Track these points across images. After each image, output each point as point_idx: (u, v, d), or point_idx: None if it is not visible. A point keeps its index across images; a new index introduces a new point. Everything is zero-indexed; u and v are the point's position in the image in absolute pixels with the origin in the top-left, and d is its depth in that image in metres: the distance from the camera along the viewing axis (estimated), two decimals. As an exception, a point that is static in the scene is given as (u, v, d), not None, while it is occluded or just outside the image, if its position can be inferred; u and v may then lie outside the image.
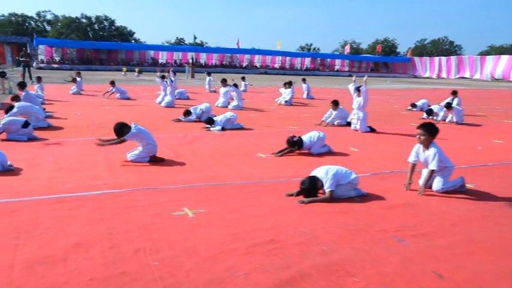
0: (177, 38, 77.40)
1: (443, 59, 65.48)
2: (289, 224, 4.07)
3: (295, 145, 7.45)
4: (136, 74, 34.50)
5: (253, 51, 64.71)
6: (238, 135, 9.28)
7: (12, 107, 9.19)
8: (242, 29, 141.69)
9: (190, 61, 40.96)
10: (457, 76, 61.70)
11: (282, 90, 18.09)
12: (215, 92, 21.35)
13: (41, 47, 49.94)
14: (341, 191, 4.93)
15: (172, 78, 14.51)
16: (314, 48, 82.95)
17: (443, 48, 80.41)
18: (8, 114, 8.83)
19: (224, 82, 15.51)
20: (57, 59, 51.67)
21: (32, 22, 67.80)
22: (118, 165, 6.30)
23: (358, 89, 11.02)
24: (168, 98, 14.17)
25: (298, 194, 4.98)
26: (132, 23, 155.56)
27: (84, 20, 65.57)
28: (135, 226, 3.93)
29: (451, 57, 65.87)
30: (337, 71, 67.56)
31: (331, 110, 11.15)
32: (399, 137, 9.71)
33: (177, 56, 60.38)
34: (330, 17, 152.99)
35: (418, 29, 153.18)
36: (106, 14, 69.87)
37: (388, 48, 78.41)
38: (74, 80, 17.73)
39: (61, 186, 5.13)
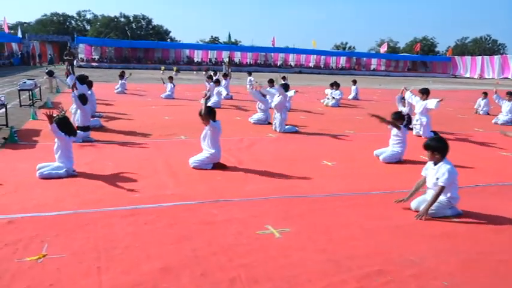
0: (212, 36, 77.70)
1: (487, 58, 62.84)
2: (392, 250, 3.60)
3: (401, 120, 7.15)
4: (174, 73, 34.54)
5: (287, 50, 64.10)
6: (296, 140, 8.84)
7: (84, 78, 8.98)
8: (277, 28, 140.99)
9: (227, 60, 40.76)
10: (501, 76, 59.06)
11: (328, 91, 17.52)
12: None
13: (81, 45, 51.00)
14: (436, 208, 4.41)
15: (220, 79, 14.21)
16: (349, 47, 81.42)
17: (486, 47, 77.24)
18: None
19: (271, 83, 15.08)
20: (96, 57, 52.66)
21: (72, 21, 69.68)
22: (180, 171, 5.98)
23: (403, 99, 10.50)
24: (214, 99, 13.86)
25: (411, 195, 4.65)
26: (168, 22, 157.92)
27: (122, 19, 66.77)
28: (220, 247, 3.55)
29: (495, 56, 63.15)
30: (374, 70, 65.99)
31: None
32: (467, 144, 9.04)
33: (212, 54, 60.49)
34: (366, 15, 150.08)
35: (458, 27, 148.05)
36: (143, 13, 70.76)
37: (427, 47, 75.95)
38: (170, 78, 17.20)
39: (130, 196, 4.84)
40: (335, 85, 16.32)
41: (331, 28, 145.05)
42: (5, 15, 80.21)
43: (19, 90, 12.47)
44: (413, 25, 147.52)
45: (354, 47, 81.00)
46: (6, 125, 8.98)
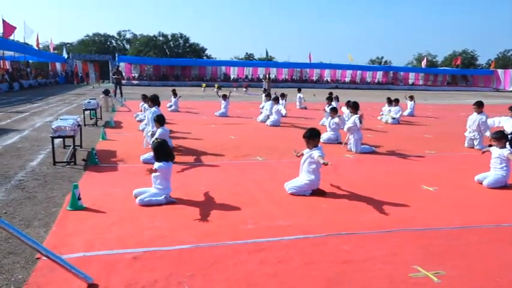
0: (247, 53, 78.39)
1: (532, 71, 60.48)
2: None
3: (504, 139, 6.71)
4: (215, 90, 34.65)
5: (323, 66, 63.74)
6: (378, 161, 8.37)
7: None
8: (313, 44, 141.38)
9: (267, 76, 40.67)
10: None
11: (385, 107, 16.96)
12: (306, 108, 20.63)
13: (121, 64, 52.26)
14: None
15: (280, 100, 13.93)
16: (385, 62, 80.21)
17: (530, 59, 74.55)
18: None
19: (329, 101, 14.67)
20: (136, 75, 53.82)
21: (113, 41, 71.79)
22: (280, 198, 5.61)
23: None
24: (273, 117, 13.55)
25: None
26: (204, 40, 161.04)
27: (161, 38, 68.30)
28: (381, 294, 3.12)
29: (542, 69, 60.69)
30: (412, 84, 64.61)
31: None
32: None
33: (248, 71, 60.85)
34: (402, 28, 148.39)
35: (500, 39, 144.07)
36: (181, 31, 72.26)
37: (467, 61, 73.91)
38: (224, 96, 16.95)
39: (243, 227, 4.48)
40: (394, 101, 15.75)
41: (366, 43, 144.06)
42: (52, 36, 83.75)
43: (84, 110, 12.54)
44: (452, 38, 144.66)
45: (390, 62, 79.82)
46: (81, 146, 8.91)
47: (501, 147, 6.67)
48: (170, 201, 5.31)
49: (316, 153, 5.69)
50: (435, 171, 7.53)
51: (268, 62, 57.67)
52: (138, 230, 4.34)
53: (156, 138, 5.48)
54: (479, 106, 10.15)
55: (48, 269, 3.41)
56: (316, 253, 3.85)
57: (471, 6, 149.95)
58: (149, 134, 8.45)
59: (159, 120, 7.97)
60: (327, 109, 14.17)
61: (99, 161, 7.48)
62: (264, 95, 20.50)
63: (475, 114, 10.11)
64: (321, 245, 4.04)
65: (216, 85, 36.29)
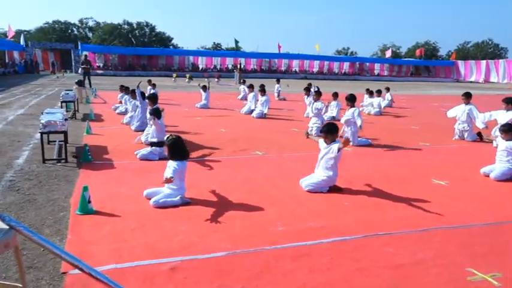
0: (214, 43, 77.15)
1: (491, 62, 62.93)
2: None
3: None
4: (187, 80, 33.99)
5: (291, 56, 63.70)
6: (378, 154, 8.29)
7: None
8: (281, 34, 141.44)
9: (239, 66, 40.28)
10: (505, 81, 59.04)
11: (366, 98, 17.02)
12: (285, 99, 20.44)
13: (84, 53, 50.18)
14: None
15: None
16: (351, 52, 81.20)
17: (488, 51, 77.37)
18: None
19: (309, 91, 14.51)
20: (100, 65, 51.89)
21: (74, 29, 68.69)
22: (298, 195, 5.38)
23: None
24: (259, 109, 13.28)
25: None
26: (170, 29, 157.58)
27: (126, 27, 65.97)
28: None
29: (500, 60, 63.25)
30: (377, 75, 65.82)
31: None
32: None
33: (216, 61, 60.04)
34: (367, 20, 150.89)
35: (460, 31, 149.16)
36: (146, 20, 69.90)
37: (430, 52, 75.95)
38: (204, 87, 16.17)
39: (274, 229, 4.22)
40: (376, 92, 15.82)
41: (332, 33, 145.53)
42: (9, 23, 79.35)
43: (62, 102, 11.81)
44: (415, 30, 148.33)
45: (356, 52, 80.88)
46: (66, 141, 8.33)
47: (507, 140, 6.70)
48: (185, 202, 4.97)
49: (335, 146, 5.48)
50: (438, 164, 7.52)
51: (237, 52, 56.91)
52: (165, 236, 3.99)
53: (171, 135, 5.08)
54: (467, 97, 10.26)
55: (80, 284, 3.04)
56: (364, 258, 3.65)
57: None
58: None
59: (155, 114, 7.52)
60: (307, 100, 14.09)
61: (92, 158, 7.00)
62: (244, 86, 20.22)
63: (463, 105, 10.20)
64: (363, 248, 3.85)
65: (187, 75, 35.64)
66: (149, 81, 18.64)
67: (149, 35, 68.66)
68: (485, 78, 61.70)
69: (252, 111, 13.96)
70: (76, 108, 12.45)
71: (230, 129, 10.71)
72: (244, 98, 19.92)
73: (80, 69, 28.59)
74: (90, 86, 23.12)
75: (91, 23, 70.17)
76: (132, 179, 6.00)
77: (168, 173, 4.89)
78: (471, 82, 60.90)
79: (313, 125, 10.22)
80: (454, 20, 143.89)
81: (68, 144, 8.15)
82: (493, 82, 59.81)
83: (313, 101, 10.48)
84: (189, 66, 57.30)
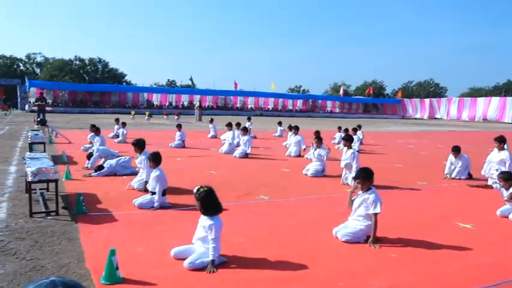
0: (168, 80, 76.56)
1: (434, 100, 66.95)
2: None
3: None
4: (146, 117, 32.97)
5: (246, 93, 64.33)
6: (386, 197, 8.01)
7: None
8: (235, 72, 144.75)
9: (198, 104, 39.90)
10: (447, 117, 62.81)
11: (340, 135, 17.09)
12: (255, 137, 20.12)
13: (32, 89, 47.80)
14: None
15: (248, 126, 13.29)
16: (303, 90, 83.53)
17: (430, 90, 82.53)
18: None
19: (294, 129, 14.34)
20: (50, 101, 49.59)
21: (21, 64, 65.54)
22: (338, 247, 4.93)
23: None
24: (242, 148, 12.83)
25: None
26: (123, 65, 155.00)
27: (77, 62, 63.90)
28: None
29: (442, 98, 67.47)
30: (330, 112, 67.82)
31: (451, 158, 10.03)
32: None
33: (171, 98, 59.44)
34: (317, 59, 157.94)
35: (404, 71, 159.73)
36: (99, 56, 68.04)
37: (377, 90, 79.79)
38: (179, 126, 15.71)
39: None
40: (354, 130, 15.93)
41: (284, 72, 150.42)
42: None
43: (30, 144, 10.73)
44: (362, 69, 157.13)
45: (308, 90, 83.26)
46: (47, 189, 7.41)
47: (507, 188, 6.66)
48: (222, 261, 4.36)
49: (371, 198, 5.13)
50: (451, 206, 7.36)
51: (192, 89, 56.70)
52: (223, 309, 3.37)
53: (202, 187, 4.47)
54: (457, 151, 10.10)
55: None
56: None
57: (379, 39, 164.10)
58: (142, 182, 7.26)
59: (155, 159, 6.84)
60: (292, 139, 13.85)
61: (87, 209, 6.18)
62: (213, 124, 19.81)
63: (452, 157, 10.14)
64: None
65: (146, 113, 34.68)
66: (117, 119, 17.71)
67: (102, 71, 66.97)
68: (429, 115, 65.33)
69: (230, 149, 13.54)
70: (44, 150, 11.35)
71: (220, 171, 10.14)
72: (215, 137, 19.51)
73: (28, 106, 26.95)
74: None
75: (39, 59, 67.49)
76: (144, 234, 5.28)
77: (210, 235, 4.26)
78: (416, 119, 64.19)
79: (313, 166, 9.88)
80: (398, 61, 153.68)
81: (48, 192, 7.29)
82: (437, 118, 63.38)
83: (315, 147, 10.11)
84: (144, 103, 56.25)
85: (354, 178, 5.40)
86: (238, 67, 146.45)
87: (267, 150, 14.94)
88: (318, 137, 10.35)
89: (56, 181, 5.99)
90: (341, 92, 70.35)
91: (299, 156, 13.46)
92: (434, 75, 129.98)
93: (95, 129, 12.70)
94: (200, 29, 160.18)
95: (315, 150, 10.11)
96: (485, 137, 26.10)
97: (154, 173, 6.71)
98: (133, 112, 35.97)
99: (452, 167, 10.05)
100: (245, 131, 13.17)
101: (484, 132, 31.63)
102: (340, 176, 9.50)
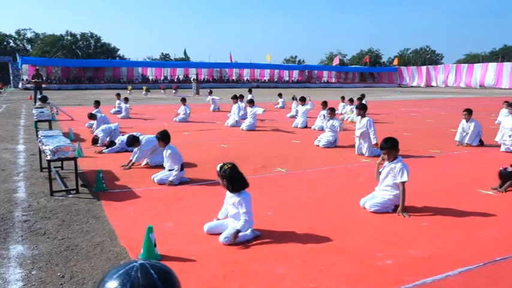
0: (162, 53, 75.32)
1: (431, 67, 66.49)
2: None
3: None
4: (144, 92, 32.56)
5: (242, 65, 63.51)
6: (410, 164, 7.99)
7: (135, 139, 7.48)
8: (230, 44, 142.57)
9: (195, 77, 39.41)
10: (444, 84, 62.55)
11: (344, 106, 16.99)
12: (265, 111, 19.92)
13: (24, 66, 46.88)
14: None
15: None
16: (299, 61, 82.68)
17: (426, 57, 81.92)
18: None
19: (303, 101, 14.17)
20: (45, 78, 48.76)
21: (10, 41, 64.07)
22: (369, 218, 4.90)
23: None
24: (249, 121, 12.70)
25: None
26: (115, 40, 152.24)
27: (69, 38, 62.50)
28: None
29: (439, 65, 66.99)
30: (326, 82, 67.32)
31: (462, 123, 9.93)
32: None
33: (166, 72, 58.64)
34: (313, 28, 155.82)
35: (400, 38, 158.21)
36: (91, 30, 66.40)
37: (373, 59, 79.07)
38: (183, 100, 15.47)
39: (381, 263, 3.69)
40: (359, 99, 15.80)
41: (279, 42, 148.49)
42: None
43: (36, 122, 10.55)
44: (358, 38, 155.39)
45: (303, 61, 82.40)
46: (62, 167, 7.32)
47: None
48: (256, 235, 4.32)
49: (398, 167, 5.08)
50: (467, 173, 7.34)
51: (188, 62, 55.84)
52: (269, 284, 3.33)
53: (225, 164, 4.34)
54: (469, 114, 10.02)
55: None
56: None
57: (374, 6, 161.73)
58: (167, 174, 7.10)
59: (164, 138, 6.62)
60: (301, 109, 13.74)
61: (107, 187, 6.11)
62: (212, 97, 19.64)
63: (464, 121, 10.05)
64: (498, 280, 3.42)
65: (144, 87, 34.23)
66: (118, 94, 17.44)
67: (94, 46, 65.63)
68: (426, 83, 65.05)
69: (236, 122, 13.45)
70: (50, 128, 11.17)
71: (230, 145, 10.05)
72: (218, 110, 19.32)
73: (21, 83, 26.46)
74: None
75: (29, 35, 65.97)
76: (169, 210, 5.23)
77: (241, 209, 4.20)
78: (413, 87, 63.93)
79: (325, 137, 9.80)
80: (394, 28, 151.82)
81: (64, 171, 7.20)
82: (433, 86, 63.14)
83: (328, 118, 10.03)
84: (139, 77, 55.45)
85: (380, 148, 5.31)
86: (233, 39, 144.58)
87: (273, 123, 14.82)
88: (331, 108, 10.24)
89: (75, 159, 5.89)
90: (336, 61, 69.50)
91: (306, 127, 13.38)
92: (430, 42, 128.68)
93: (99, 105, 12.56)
94: (192, 0, 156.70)
95: (328, 121, 10.02)
96: (486, 103, 26.14)
97: (167, 151, 6.59)
98: (130, 87, 35.49)
99: (464, 133, 9.97)
100: (251, 103, 13.00)
101: (484, 99, 31.59)
102: (352, 146, 9.47)
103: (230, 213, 4.39)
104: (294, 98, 17.55)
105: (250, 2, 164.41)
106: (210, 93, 20.61)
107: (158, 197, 5.77)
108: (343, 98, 18.88)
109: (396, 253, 3.90)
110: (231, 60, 59.26)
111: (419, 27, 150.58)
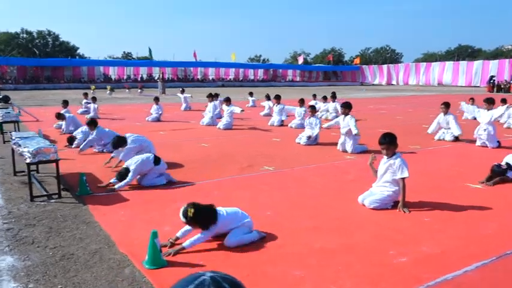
0: (124, 52, 73.43)
1: (392, 66, 68.30)
2: None
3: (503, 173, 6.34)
4: (108, 92, 31.55)
5: (207, 64, 62.96)
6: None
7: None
8: (195, 43, 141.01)
9: (161, 76, 38.66)
10: (404, 83, 64.38)
11: (321, 104, 17.02)
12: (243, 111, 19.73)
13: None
14: None
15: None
16: (263, 60, 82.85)
17: (386, 56, 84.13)
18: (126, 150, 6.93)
19: (275, 99, 14.10)
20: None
21: (-41, 39, 60.60)
22: (368, 216, 4.85)
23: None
24: (226, 120, 12.50)
25: None
26: (75, 38, 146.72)
27: (24, 36, 59.66)
28: None
29: (399, 64, 68.91)
30: (290, 81, 67.82)
31: (439, 116, 10.16)
32: None
33: (129, 71, 57.34)
34: (277, 28, 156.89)
35: (362, 38, 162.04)
36: (48, 28, 63.57)
37: (336, 58, 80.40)
38: (156, 99, 15.09)
39: (396, 261, 3.63)
40: (332, 97, 15.91)
41: (243, 42, 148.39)
42: None
43: (2, 123, 9.91)
44: (321, 37, 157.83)
45: (268, 60, 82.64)
46: (37, 171, 6.88)
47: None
48: (262, 236, 4.16)
49: (397, 163, 5.06)
50: (451, 167, 7.47)
51: (151, 61, 54.68)
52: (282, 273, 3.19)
53: (186, 208, 3.83)
54: (446, 107, 10.26)
55: None
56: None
57: (336, 6, 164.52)
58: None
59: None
60: (275, 108, 13.66)
61: (91, 190, 5.78)
62: (184, 95, 19.30)
63: (442, 115, 10.28)
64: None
65: (108, 87, 33.22)
66: (85, 94, 16.77)
67: (52, 44, 63.02)
68: (387, 81, 66.77)
69: (212, 121, 13.25)
70: (17, 129, 10.55)
71: (210, 144, 9.82)
72: (189, 109, 18.99)
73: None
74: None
75: (-21, 32, 62.52)
76: (163, 213, 4.99)
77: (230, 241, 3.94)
78: (375, 85, 65.47)
79: (306, 134, 9.75)
80: (356, 28, 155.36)
81: (39, 175, 6.78)
82: (393, 84, 64.89)
83: (308, 115, 10.04)
84: (101, 77, 53.84)
85: (379, 143, 5.28)
86: (197, 38, 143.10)
87: (248, 121, 14.65)
88: (312, 106, 10.24)
89: (57, 161, 5.51)
90: (300, 60, 70.16)
91: (282, 125, 13.33)
92: (390, 42, 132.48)
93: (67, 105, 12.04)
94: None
95: (309, 118, 10.00)
96: (448, 100, 27.05)
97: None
98: (93, 87, 34.30)
99: (439, 127, 10.22)
100: (228, 101, 12.81)
101: (443, 96, 32.69)
102: (333, 143, 9.49)
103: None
104: (267, 97, 17.47)
105: (214, 1, 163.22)
106: (183, 91, 20.20)
107: (149, 200, 5.50)
108: (314, 95, 18.99)
109: (408, 250, 3.85)
110: (195, 59, 58.55)
111: (380, 27, 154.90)
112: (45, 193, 5.60)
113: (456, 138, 10.16)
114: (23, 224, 4.57)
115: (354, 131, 8.62)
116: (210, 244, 4.00)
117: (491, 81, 42.18)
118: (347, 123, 8.77)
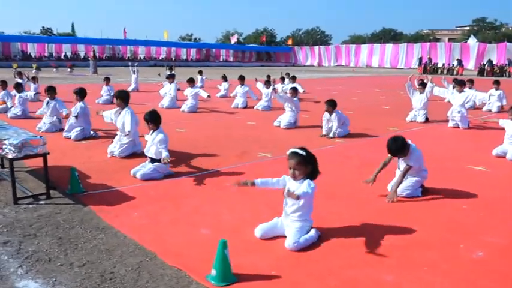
0: (43, 27, 67.41)
1: (323, 48, 69.85)
2: None
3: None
4: (34, 71, 28.59)
5: (136, 42, 59.84)
6: (376, 145, 7.94)
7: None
8: (124, 20, 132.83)
9: (92, 54, 36.02)
10: (335, 64, 66.25)
11: (288, 82, 16.61)
12: (179, 90, 18.73)
13: None
14: None
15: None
16: (195, 39, 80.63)
17: (317, 37, 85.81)
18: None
19: (240, 80, 13.53)
20: None
21: None
22: (411, 206, 4.63)
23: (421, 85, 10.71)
24: (191, 102, 11.75)
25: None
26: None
27: None
28: None
29: (330, 46, 70.66)
30: (224, 61, 66.90)
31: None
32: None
33: (51, 48, 53.01)
34: (206, 6, 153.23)
35: (293, 19, 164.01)
36: None
37: (268, 38, 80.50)
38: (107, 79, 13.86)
39: (465, 255, 3.41)
40: (292, 78, 15.68)
41: (176, 19, 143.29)
42: None
43: None
44: (253, 17, 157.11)
45: (200, 39, 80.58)
46: (2, 166, 5.83)
47: None
48: (319, 235, 3.74)
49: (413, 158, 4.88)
50: (438, 148, 7.50)
51: (76, 38, 50.86)
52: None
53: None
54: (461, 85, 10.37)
55: None
56: None
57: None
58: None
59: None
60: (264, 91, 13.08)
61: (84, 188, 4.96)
62: (136, 75, 18.02)
63: (417, 93, 10.48)
64: None
65: (33, 65, 30.22)
66: (19, 73, 14.90)
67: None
68: (318, 62, 68.27)
69: (172, 104, 12.44)
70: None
71: (188, 129, 9.11)
72: (137, 90, 17.77)
73: None
74: None
75: None
76: (184, 211, 4.37)
77: (300, 191, 3.51)
78: (307, 66, 66.64)
79: (285, 117, 9.43)
80: (287, 8, 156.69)
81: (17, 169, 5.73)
82: (324, 66, 66.52)
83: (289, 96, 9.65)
84: (18, 54, 49.12)
85: (392, 155, 4.98)
86: (127, 15, 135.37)
87: (206, 103, 13.90)
88: (294, 88, 9.93)
89: (45, 155, 4.60)
90: (233, 39, 69.32)
91: (246, 107, 12.85)
92: (320, 23, 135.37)
93: (4, 86, 10.76)
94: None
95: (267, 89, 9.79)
96: (387, 81, 28.14)
97: (157, 135, 5.60)
98: (15, 65, 30.98)
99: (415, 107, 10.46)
100: (192, 82, 12.03)
101: (379, 77, 34.03)
102: (311, 126, 9.32)
103: (286, 209, 3.72)
104: (224, 77, 16.81)
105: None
106: (136, 72, 18.66)
107: (155, 197, 4.82)
108: (268, 76, 18.60)
109: (475, 243, 3.65)
110: (124, 36, 55.41)
111: (311, 8, 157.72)
112: (30, 193, 4.68)
113: (427, 119, 10.39)
114: (19, 235, 3.73)
115: (335, 125, 8.40)
116: (261, 248, 3.51)
117: (420, 63, 44.87)
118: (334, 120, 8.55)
